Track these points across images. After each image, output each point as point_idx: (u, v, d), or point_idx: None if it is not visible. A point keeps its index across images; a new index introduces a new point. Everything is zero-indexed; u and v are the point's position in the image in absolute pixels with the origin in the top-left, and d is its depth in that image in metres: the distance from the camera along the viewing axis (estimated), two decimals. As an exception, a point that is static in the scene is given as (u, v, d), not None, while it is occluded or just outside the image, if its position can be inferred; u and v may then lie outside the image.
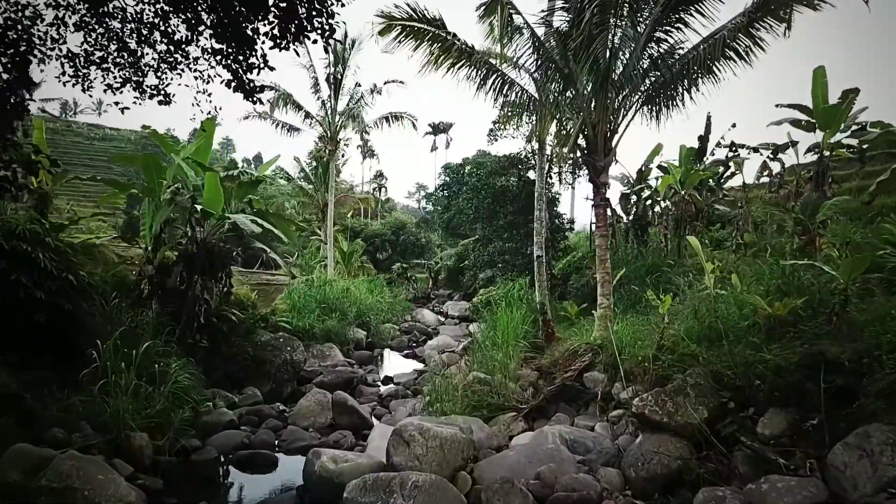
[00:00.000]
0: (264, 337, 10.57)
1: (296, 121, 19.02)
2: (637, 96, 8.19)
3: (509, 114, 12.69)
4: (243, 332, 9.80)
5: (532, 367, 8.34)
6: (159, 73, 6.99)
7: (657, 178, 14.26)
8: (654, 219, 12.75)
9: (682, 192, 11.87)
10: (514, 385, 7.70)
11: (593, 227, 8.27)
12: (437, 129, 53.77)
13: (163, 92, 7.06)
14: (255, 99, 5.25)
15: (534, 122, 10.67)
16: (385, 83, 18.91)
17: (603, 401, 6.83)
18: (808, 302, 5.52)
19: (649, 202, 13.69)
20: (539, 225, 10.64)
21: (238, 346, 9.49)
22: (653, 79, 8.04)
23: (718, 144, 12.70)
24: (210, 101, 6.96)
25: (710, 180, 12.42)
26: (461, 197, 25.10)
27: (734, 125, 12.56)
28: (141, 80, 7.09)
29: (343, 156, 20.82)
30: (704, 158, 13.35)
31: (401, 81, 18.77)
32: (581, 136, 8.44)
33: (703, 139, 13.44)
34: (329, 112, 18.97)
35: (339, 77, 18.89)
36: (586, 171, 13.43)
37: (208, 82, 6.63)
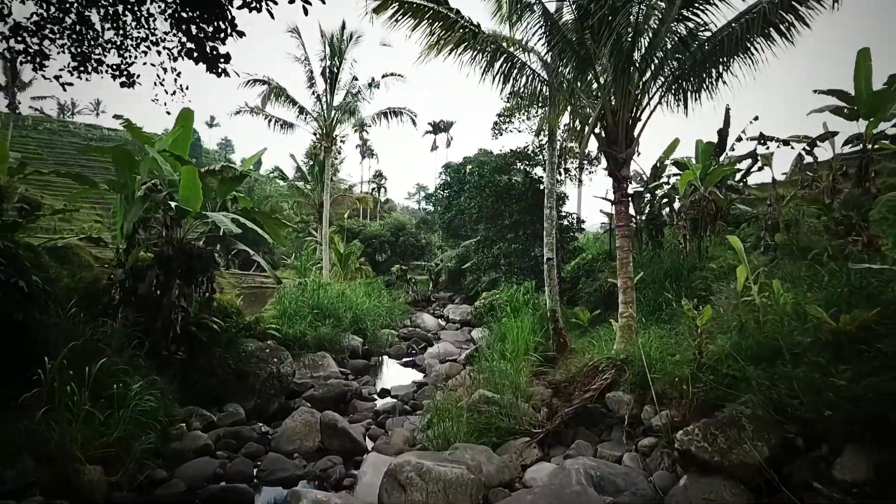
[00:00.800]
0: (250, 346, 9.70)
1: (290, 117, 18.18)
2: (662, 79, 7.30)
3: (518, 102, 11.87)
4: (225, 342, 8.91)
5: (545, 384, 7.44)
6: (122, 51, 6.13)
7: (668, 177, 13.41)
8: (673, 218, 11.85)
9: (703, 190, 10.99)
10: (526, 405, 6.80)
11: (613, 226, 7.39)
12: (438, 127, 52.82)
13: (125, 72, 6.20)
14: (219, 70, 4.36)
15: (544, 113, 9.80)
16: (383, 76, 18.06)
17: (630, 426, 5.94)
18: (881, 314, 4.63)
19: (665, 200, 12.80)
20: (549, 224, 9.76)
21: (219, 358, 8.60)
22: (680, 60, 7.15)
23: (739, 139, 11.85)
24: (177, 81, 6.11)
25: (734, 176, 11.54)
26: (462, 196, 24.24)
27: (756, 118, 11.70)
28: (101, 57, 6.23)
29: (339, 153, 19.93)
30: (724, 154, 12.50)
31: (400, 75, 17.91)
32: (599, 124, 7.56)
33: (723, 133, 12.56)
34: (324, 107, 18.10)
35: (336, 70, 18.05)
36: (595, 167, 12.67)
37: (175, 59, 5.77)
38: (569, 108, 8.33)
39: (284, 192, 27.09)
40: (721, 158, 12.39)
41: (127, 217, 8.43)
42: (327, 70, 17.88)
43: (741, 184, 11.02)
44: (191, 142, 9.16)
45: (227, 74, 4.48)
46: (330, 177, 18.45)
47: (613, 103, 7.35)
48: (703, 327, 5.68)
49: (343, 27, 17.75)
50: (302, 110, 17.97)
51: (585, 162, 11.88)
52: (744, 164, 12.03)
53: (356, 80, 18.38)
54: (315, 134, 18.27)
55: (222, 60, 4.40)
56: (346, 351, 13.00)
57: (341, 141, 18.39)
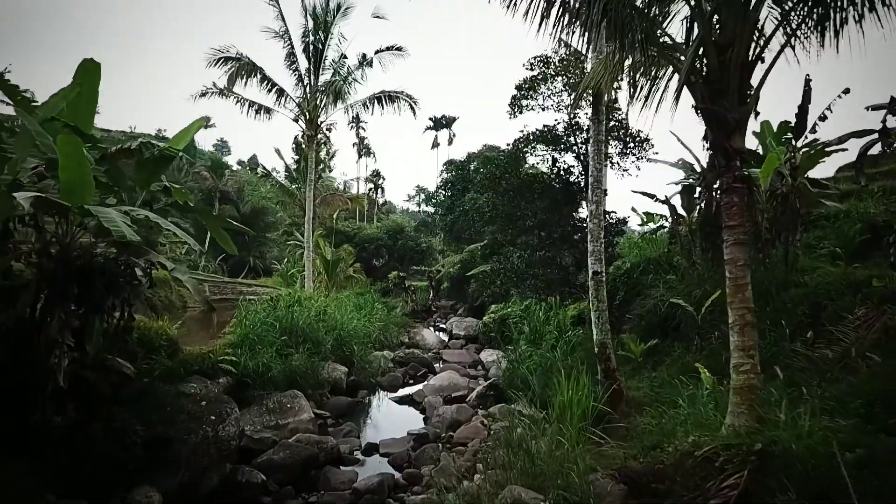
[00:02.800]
0: (194, 387, 7.11)
1: (268, 101, 15.52)
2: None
3: (543, 72, 9.26)
4: (137, 393, 6.23)
5: (613, 474, 4.74)
6: None
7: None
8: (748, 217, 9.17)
9: (792, 181, 8.37)
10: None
11: (723, 227, 4.71)
12: (439, 123, 49.75)
13: None
14: None
15: (585, 73, 7.22)
16: (377, 52, 15.43)
17: None
18: None
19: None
20: (595, 225, 7.13)
21: (125, 419, 5.91)
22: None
23: (823, 117, 9.25)
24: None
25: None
26: (467, 195, 21.67)
27: (847, 91, 9.09)
28: None
29: (327, 144, 17.24)
30: (802, 136, 9.88)
31: (398, 48, 15.26)
32: (692, 73, 4.91)
33: (803, 109, 9.92)
34: (307, 89, 15.46)
35: (321, 47, 15.42)
36: (647, 151, 10.00)
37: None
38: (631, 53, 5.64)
39: (270, 194, 24.45)
40: (800, 142, 9.77)
41: (-10, 214, 5.77)
42: (310, 46, 15.26)
43: (856, 169, 8.34)
44: (96, 104, 6.52)
45: None
46: (314, 171, 15.82)
47: (719, 36, 4.70)
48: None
49: (329, -6, 15.15)
50: (281, 93, 15.34)
51: (633, 143, 9.19)
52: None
53: (345, 58, 15.79)
54: (297, 121, 15.63)
55: None
56: (325, 385, 10.33)
57: (327, 129, 15.76)
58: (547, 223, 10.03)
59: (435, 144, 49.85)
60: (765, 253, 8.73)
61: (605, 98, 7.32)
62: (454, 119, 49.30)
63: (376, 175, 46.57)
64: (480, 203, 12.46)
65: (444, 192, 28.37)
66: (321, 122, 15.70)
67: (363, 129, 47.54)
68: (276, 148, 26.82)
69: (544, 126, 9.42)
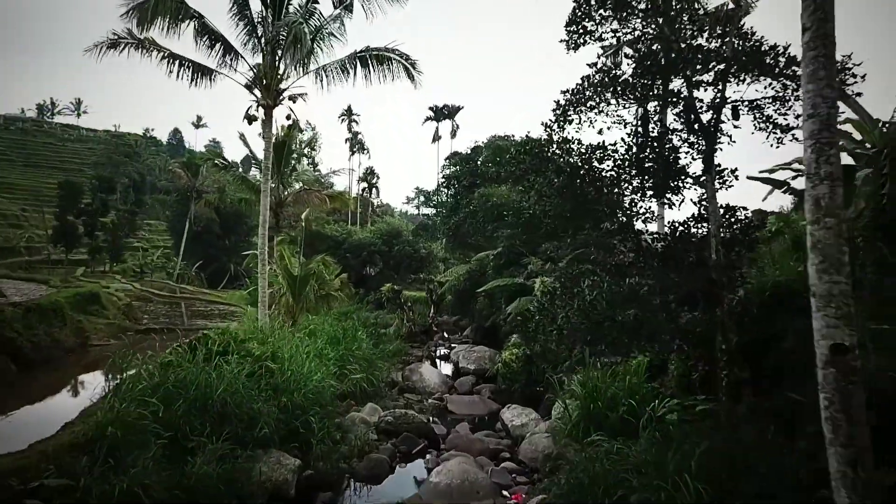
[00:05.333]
0: None
1: (211, 62, 11.37)
2: None
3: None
4: None
5: None
6: None
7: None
8: None
9: None
10: None
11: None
12: (441, 113, 45.06)
13: None
14: None
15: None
16: (359, -8, 11.25)
17: None
18: None
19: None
20: (830, 234, 2.97)
21: None
22: None
23: None
24: None
25: None
26: (476, 191, 17.57)
27: None
28: None
29: (294, 122, 12.84)
30: None
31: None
32: None
33: None
34: (263, 42, 11.31)
35: (282, -13, 11.28)
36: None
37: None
38: None
39: (237, 188, 20.29)
40: None
41: None
42: (267, -16, 11.12)
43: None
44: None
45: None
46: (271, 151, 11.65)
47: None
48: None
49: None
50: (229, 50, 11.21)
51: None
52: None
53: (317, 2, 11.64)
54: (251, 88, 11.49)
55: None
56: (259, 495, 6.16)
57: (291, 100, 11.56)
58: (625, 229, 5.86)
59: (436, 138, 45.32)
60: None
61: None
62: (458, 108, 44.55)
63: (370, 173, 42.20)
64: (510, 197, 8.40)
65: (446, 189, 24.22)
66: (283, 90, 11.53)
67: (356, 122, 43.35)
68: (241, 132, 22.24)
69: (637, 51, 5.20)
